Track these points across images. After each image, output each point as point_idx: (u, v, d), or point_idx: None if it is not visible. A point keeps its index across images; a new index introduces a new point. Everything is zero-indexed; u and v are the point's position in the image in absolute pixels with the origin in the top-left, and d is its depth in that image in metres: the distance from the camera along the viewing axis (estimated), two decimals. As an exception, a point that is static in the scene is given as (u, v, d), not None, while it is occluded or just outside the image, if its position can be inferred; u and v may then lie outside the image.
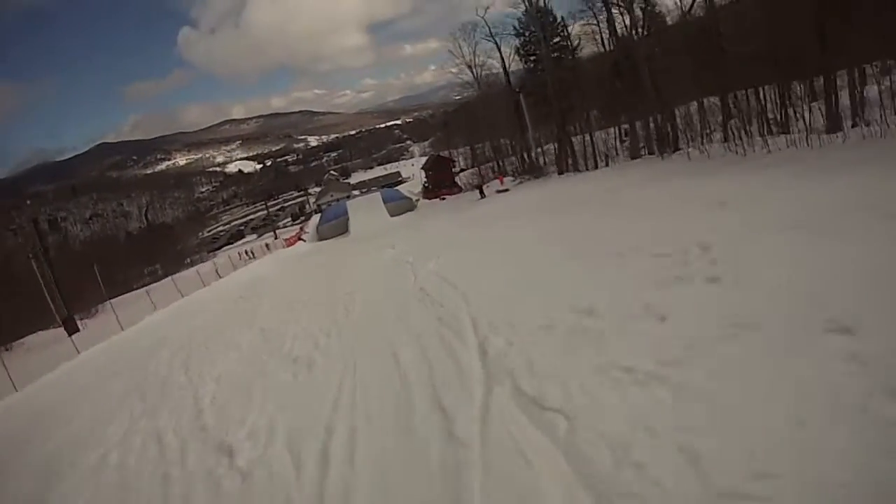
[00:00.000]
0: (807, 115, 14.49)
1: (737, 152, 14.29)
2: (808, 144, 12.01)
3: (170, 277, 29.62)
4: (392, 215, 36.95)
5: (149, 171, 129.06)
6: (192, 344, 10.46)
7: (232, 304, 15.09)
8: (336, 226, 38.26)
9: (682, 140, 21.04)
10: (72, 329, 19.43)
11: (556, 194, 19.34)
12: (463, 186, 41.87)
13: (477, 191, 31.48)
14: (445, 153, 53.37)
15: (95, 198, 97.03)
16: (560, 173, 28.22)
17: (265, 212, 63.07)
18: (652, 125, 23.19)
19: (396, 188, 56.53)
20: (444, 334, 5.99)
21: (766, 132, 15.68)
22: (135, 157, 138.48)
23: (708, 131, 20.54)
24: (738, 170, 11.48)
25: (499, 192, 29.35)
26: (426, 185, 48.58)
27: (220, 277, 23.17)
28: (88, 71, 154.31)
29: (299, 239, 39.23)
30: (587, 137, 27.89)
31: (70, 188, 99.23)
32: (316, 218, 49.65)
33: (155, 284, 35.17)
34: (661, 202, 10.05)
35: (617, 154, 27.58)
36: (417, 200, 41.71)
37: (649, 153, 23.21)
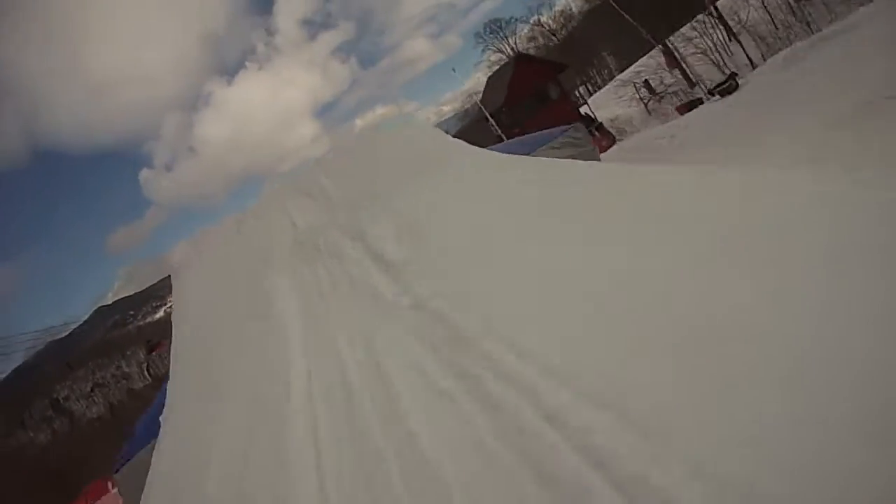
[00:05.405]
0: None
1: None
2: None
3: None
4: None
5: (146, 322, 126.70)
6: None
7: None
8: None
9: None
10: None
11: None
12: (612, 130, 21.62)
13: None
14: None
15: (92, 366, 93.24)
16: None
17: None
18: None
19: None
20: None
21: None
22: (132, 312, 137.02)
23: None
24: None
25: None
26: None
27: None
28: (70, 237, 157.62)
29: None
30: None
31: (66, 365, 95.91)
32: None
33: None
34: None
35: None
36: None
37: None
